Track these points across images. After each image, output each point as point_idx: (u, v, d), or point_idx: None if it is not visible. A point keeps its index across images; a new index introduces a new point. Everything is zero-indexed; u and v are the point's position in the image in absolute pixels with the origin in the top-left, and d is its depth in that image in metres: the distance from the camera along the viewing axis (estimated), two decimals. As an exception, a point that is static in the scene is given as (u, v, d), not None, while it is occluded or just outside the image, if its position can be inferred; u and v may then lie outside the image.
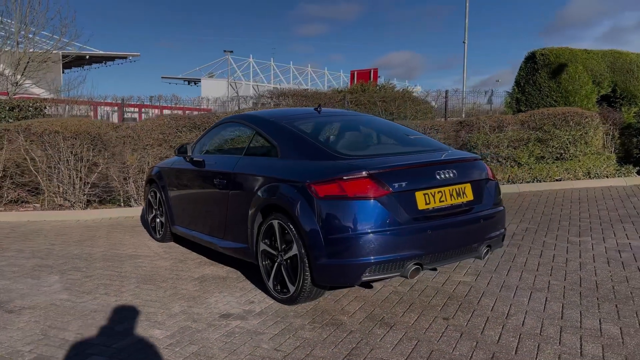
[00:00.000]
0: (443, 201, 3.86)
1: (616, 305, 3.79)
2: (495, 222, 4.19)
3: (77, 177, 8.23)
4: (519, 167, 9.52)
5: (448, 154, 4.27)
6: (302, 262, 3.76)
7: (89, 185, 8.34)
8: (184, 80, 75.58)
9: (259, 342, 3.35)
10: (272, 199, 4.03)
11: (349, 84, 26.12)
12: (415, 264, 3.68)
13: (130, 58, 69.77)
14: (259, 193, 4.18)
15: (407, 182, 3.73)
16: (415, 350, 3.18)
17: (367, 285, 4.36)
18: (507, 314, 3.71)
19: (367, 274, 3.60)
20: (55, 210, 8.31)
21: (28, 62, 18.32)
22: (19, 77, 18.32)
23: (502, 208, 4.35)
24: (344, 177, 3.66)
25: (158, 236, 6.16)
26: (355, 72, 24.34)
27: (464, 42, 23.27)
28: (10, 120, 11.18)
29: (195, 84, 74.58)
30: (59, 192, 8.34)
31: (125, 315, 3.87)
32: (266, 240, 4.15)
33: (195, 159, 5.28)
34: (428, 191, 3.80)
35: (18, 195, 8.75)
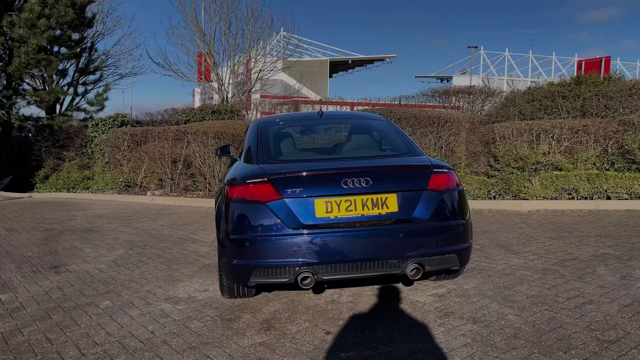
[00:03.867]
0: (351, 211, 3.64)
1: (528, 356, 3.05)
2: (433, 239, 3.72)
3: (218, 171, 9.66)
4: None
5: (375, 162, 3.95)
6: (219, 258, 4.04)
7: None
8: (436, 78, 76.78)
9: (151, 323, 3.77)
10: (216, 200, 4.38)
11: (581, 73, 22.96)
12: (305, 273, 3.61)
13: (387, 60, 73.92)
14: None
15: (305, 188, 3.66)
16: (251, 354, 3.21)
17: (318, 289, 4.33)
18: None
19: (255, 277, 3.69)
20: (212, 198, 9.88)
21: (259, 71, 21.46)
22: (256, 83, 21.63)
23: (455, 222, 3.81)
24: (247, 181, 3.79)
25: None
26: (583, 62, 21.32)
27: None
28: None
29: (447, 81, 74.91)
30: (205, 182, 9.91)
31: (108, 286, 4.71)
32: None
33: (235, 158, 5.87)
34: (332, 199, 3.65)
35: (186, 184, 10.67)
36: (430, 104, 17.20)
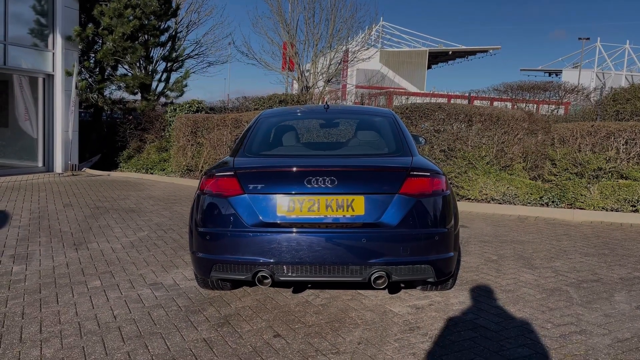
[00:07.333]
0: (314, 211, 3.47)
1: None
2: (401, 247, 3.45)
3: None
4: None
5: (344, 161, 3.71)
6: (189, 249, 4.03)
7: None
8: (544, 72, 72.84)
9: (120, 308, 3.85)
10: None
11: None
12: (263, 272, 3.50)
13: (491, 51, 71.06)
14: None
15: (267, 185, 3.54)
16: (187, 350, 3.17)
17: (300, 288, 4.21)
18: (310, 355, 3.15)
19: (215, 272, 3.64)
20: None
21: (341, 62, 21.38)
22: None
23: (431, 231, 3.50)
24: (217, 174, 3.74)
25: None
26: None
27: None
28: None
29: (556, 75, 70.74)
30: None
31: (109, 267, 4.88)
32: None
33: None
34: (294, 198, 3.50)
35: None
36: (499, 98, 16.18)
